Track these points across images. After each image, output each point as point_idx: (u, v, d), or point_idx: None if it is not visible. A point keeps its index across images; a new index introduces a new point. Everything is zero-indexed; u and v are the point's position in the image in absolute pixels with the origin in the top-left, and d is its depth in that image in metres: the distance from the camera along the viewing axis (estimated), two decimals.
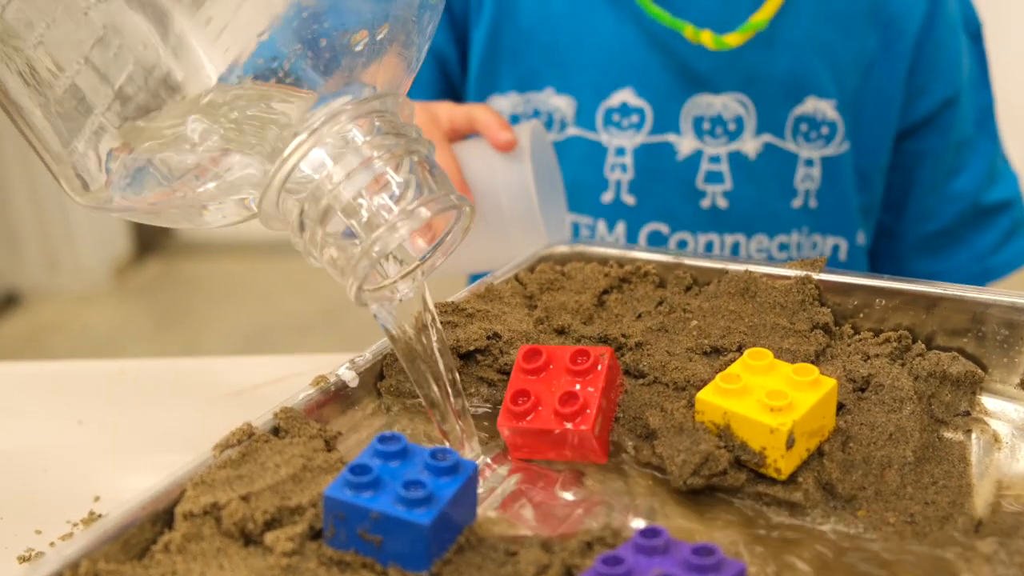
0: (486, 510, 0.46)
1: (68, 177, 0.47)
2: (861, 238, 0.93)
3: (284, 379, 0.66)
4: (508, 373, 0.53)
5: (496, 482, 0.49)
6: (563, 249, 0.64)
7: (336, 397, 0.52)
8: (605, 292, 0.60)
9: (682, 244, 0.90)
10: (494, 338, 0.55)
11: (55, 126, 0.45)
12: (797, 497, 0.45)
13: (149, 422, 0.66)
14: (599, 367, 0.49)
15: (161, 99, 0.42)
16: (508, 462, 0.50)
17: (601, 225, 0.92)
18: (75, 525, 0.53)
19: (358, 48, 0.44)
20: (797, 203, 0.90)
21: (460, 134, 0.79)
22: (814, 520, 0.45)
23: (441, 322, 0.55)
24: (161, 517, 0.43)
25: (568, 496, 0.47)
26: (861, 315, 0.56)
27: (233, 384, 0.69)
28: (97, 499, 0.56)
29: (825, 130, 0.88)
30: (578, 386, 0.49)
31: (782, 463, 0.45)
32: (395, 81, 0.47)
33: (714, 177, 0.89)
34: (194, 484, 0.44)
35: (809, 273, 0.57)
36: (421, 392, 0.49)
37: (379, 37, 0.45)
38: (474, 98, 0.94)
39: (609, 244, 0.64)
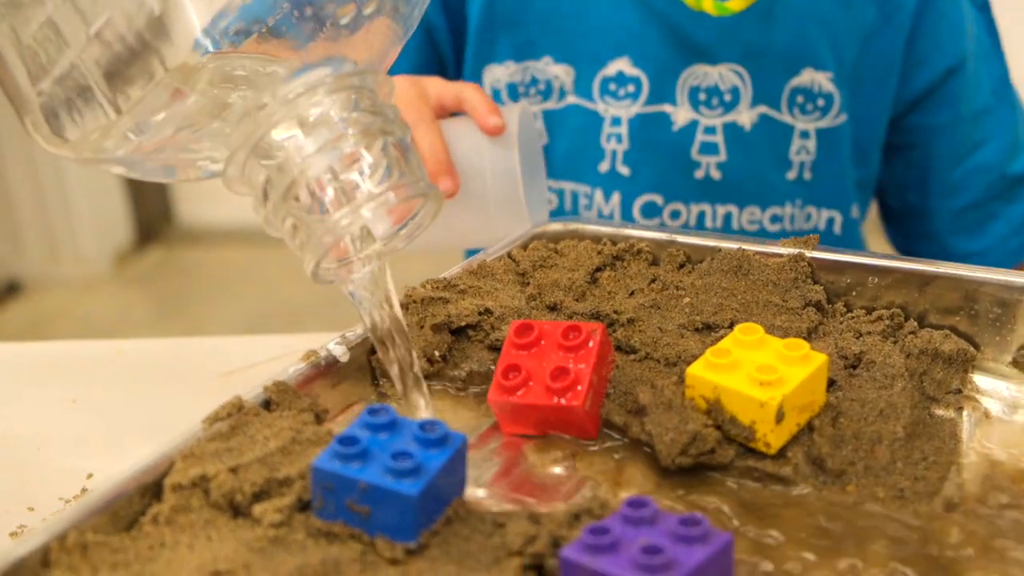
0: (475, 484, 0.46)
1: (36, 121, 0.46)
2: (855, 211, 0.94)
3: (278, 358, 0.66)
4: (499, 349, 0.53)
5: (486, 456, 0.49)
6: (556, 227, 0.65)
7: (327, 372, 0.52)
8: (598, 269, 0.60)
9: (675, 215, 0.91)
10: (486, 314, 0.55)
11: (26, 61, 0.44)
12: (786, 471, 0.46)
13: (143, 401, 0.66)
14: (591, 343, 0.49)
15: (143, 45, 0.42)
16: (498, 436, 0.50)
17: (598, 194, 0.92)
18: (67, 502, 0.53)
19: (344, 20, 0.44)
20: (792, 175, 0.90)
21: (448, 112, 0.79)
22: (803, 494, 0.45)
23: (434, 298, 0.56)
24: (150, 489, 0.44)
25: (557, 470, 0.48)
26: (854, 293, 0.57)
27: (228, 364, 0.69)
28: (90, 476, 0.56)
29: (821, 102, 0.89)
30: (570, 362, 0.49)
31: (771, 437, 0.46)
32: (378, 57, 0.47)
33: (709, 148, 0.89)
34: (183, 456, 0.44)
35: (802, 251, 0.57)
36: (384, 363, 0.49)
37: (367, 11, 0.45)
38: (471, 67, 0.94)
39: (602, 222, 0.64)
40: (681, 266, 0.60)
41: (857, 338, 0.53)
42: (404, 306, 0.56)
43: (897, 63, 0.90)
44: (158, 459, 0.44)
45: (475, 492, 0.46)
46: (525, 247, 0.63)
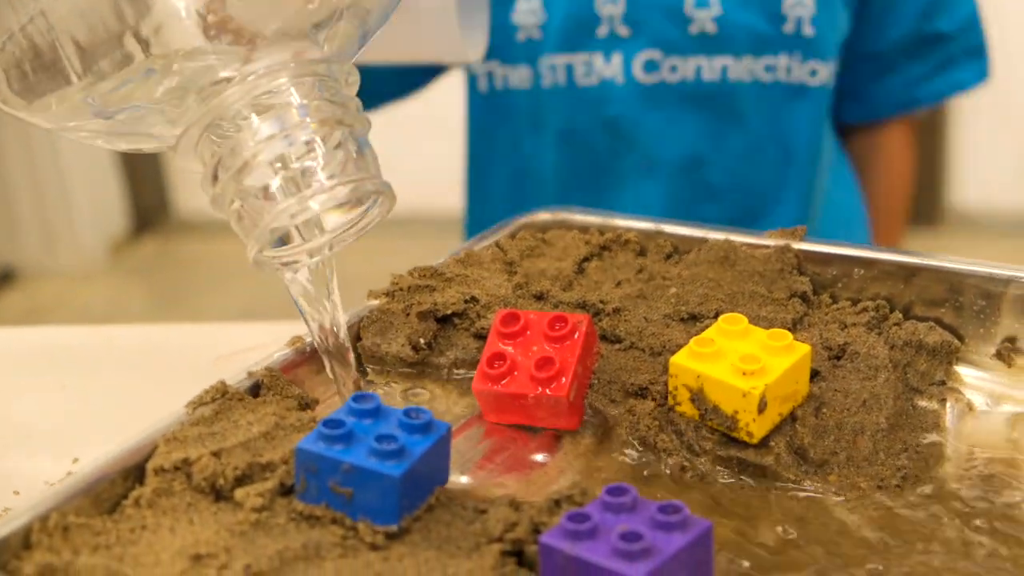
0: (458, 470, 0.47)
1: None
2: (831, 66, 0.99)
3: (267, 345, 0.67)
4: (485, 337, 0.53)
5: (469, 443, 0.49)
6: (545, 216, 0.65)
7: (312, 358, 0.52)
8: (585, 259, 0.60)
9: (673, 68, 0.94)
10: (472, 302, 0.55)
11: None
12: (768, 461, 0.46)
13: (133, 387, 0.66)
14: (576, 334, 0.49)
15: (122, 24, 0.42)
16: (482, 423, 0.50)
17: (598, 59, 0.96)
18: (52, 486, 0.53)
19: (312, 6, 0.44)
20: (788, 28, 0.94)
21: None
22: (785, 484, 0.45)
23: (420, 285, 0.56)
24: (132, 472, 0.44)
25: (540, 458, 0.48)
26: (840, 284, 0.57)
27: (220, 351, 0.69)
28: (76, 460, 0.56)
29: None
30: (555, 352, 0.49)
31: (754, 427, 0.46)
32: (344, 48, 0.47)
33: (702, 3, 0.93)
34: (166, 440, 0.44)
35: (789, 242, 0.57)
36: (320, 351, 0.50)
37: (336, 2, 0.45)
38: None
39: (591, 211, 0.64)
40: (668, 256, 0.60)
41: (842, 329, 0.53)
42: (389, 293, 0.56)
43: None
44: (141, 442, 0.44)
45: (458, 478, 0.46)
46: (513, 236, 0.63)
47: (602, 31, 0.95)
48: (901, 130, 1.11)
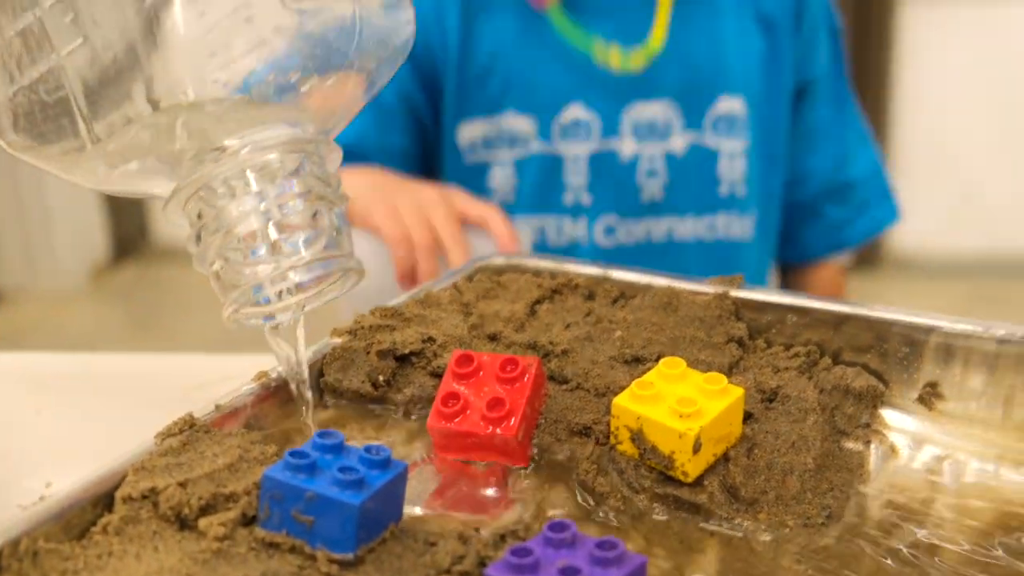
0: (411, 503, 0.47)
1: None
2: (768, 215, 1.06)
3: (237, 377, 0.67)
4: (440, 375, 0.54)
5: (423, 477, 0.49)
6: (500, 261, 0.65)
7: (276, 392, 0.52)
8: (537, 302, 0.61)
9: (629, 232, 1.01)
10: (429, 341, 0.55)
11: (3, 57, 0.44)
12: (702, 499, 0.46)
13: (106, 413, 0.66)
14: (526, 376, 0.50)
15: (127, 76, 0.42)
16: (435, 460, 0.50)
17: (566, 222, 1.02)
18: (25, 509, 0.53)
19: (304, 88, 0.45)
20: (723, 190, 1.00)
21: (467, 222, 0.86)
22: (718, 522, 0.46)
23: (381, 325, 0.56)
24: (102, 500, 0.44)
25: (489, 493, 0.48)
26: (774, 330, 0.57)
27: (194, 381, 0.69)
28: (48, 485, 0.56)
29: (738, 125, 0.99)
30: (506, 393, 0.49)
31: (689, 467, 0.46)
32: (331, 122, 0.48)
33: (651, 174, 0.99)
34: (135, 469, 0.44)
35: (727, 290, 0.58)
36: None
37: (328, 83, 0.46)
38: (448, 127, 1.03)
39: (543, 257, 0.65)
40: (615, 301, 0.61)
41: (775, 373, 0.54)
42: (353, 332, 0.56)
43: (790, 81, 1.02)
44: (111, 471, 0.44)
45: (411, 510, 0.46)
46: (470, 279, 0.63)
47: (568, 198, 1.01)
48: (833, 270, 1.15)
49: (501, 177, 1.03)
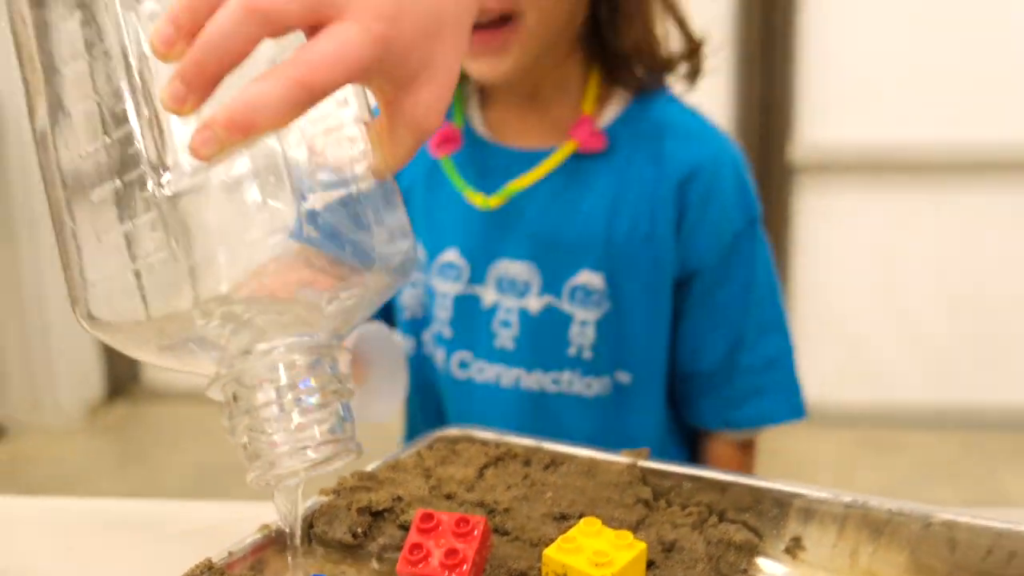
0: None
1: (82, 310, 0.48)
2: (623, 377, 0.97)
3: (233, 522, 0.68)
4: (407, 527, 0.59)
5: None
6: (455, 432, 0.71)
7: (276, 540, 0.58)
8: (484, 467, 0.66)
9: (480, 371, 0.97)
10: (397, 500, 0.61)
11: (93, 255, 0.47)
12: None
13: (103, 557, 0.66)
14: (476, 532, 0.55)
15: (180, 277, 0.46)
16: None
17: (430, 347, 1.00)
18: None
19: (329, 307, 0.49)
20: (572, 351, 0.95)
21: None
22: None
23: (358, 486, 0.62)
24: None
25: None
26: (673, 493, 0.63)
27: (183, 525, 0.69)
28: None
29: (595, 297, 0.93)
30: (459, 545, 0.54)
31: None
32: (344, 328, 0.52)
33: (506, 324, 0.95)
34: None
35: (636, 460, 0.64)
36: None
37: (348, 303, 0.50)
38: None
39: (490, 430, 0.70)
40: (546, 467, 0.66)
41: (673, 528, 0.59)
42: (336, 492, 0.61)
43: (667, 266, 0.95)
44: None
45: None
46: (431, 447, 0.69)
47: (434, 328, 0.99)
48: (730, 443, 1.02)
49: (408, 296, 1.01)
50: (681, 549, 0.58)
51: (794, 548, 0.60)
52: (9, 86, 2.51)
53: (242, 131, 0.42)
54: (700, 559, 0.57)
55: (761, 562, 0.59)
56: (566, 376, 0.96)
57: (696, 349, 0.98)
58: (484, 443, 0.69)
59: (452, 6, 0.51)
